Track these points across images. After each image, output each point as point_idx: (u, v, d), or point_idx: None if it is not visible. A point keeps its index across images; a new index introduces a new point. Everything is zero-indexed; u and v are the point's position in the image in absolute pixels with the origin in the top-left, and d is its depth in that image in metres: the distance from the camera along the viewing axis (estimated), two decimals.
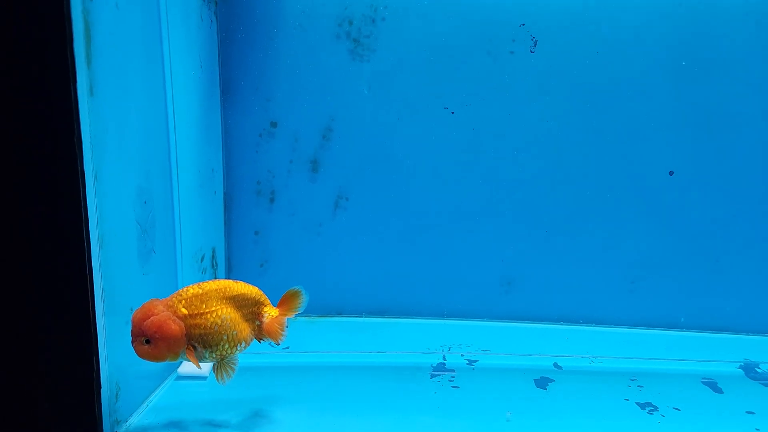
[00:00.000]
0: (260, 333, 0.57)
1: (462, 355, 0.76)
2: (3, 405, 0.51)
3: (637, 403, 0.62)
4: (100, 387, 0.51)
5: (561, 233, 0.84)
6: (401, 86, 0.83)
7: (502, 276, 0.86)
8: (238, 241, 0.90)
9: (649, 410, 0.61)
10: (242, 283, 0.57)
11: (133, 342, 0.51)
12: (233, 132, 0.87)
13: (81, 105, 0.49)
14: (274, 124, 0.86)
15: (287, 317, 0.58)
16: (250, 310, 0.56)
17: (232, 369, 0.55)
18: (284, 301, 0.58)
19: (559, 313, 0.85)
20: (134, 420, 0.58)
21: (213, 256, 0.86)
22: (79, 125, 0.48)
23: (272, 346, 0.58)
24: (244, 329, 0.55)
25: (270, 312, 0.57)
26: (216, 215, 0.87)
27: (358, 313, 0.88)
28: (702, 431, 0.57)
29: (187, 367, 0.69)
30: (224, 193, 0.89)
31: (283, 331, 0.57)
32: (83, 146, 0.49)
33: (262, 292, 0.58)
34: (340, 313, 0.88)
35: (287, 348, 0.78)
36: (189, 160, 0.75)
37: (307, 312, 0.89)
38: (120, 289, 0.56)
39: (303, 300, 0.58)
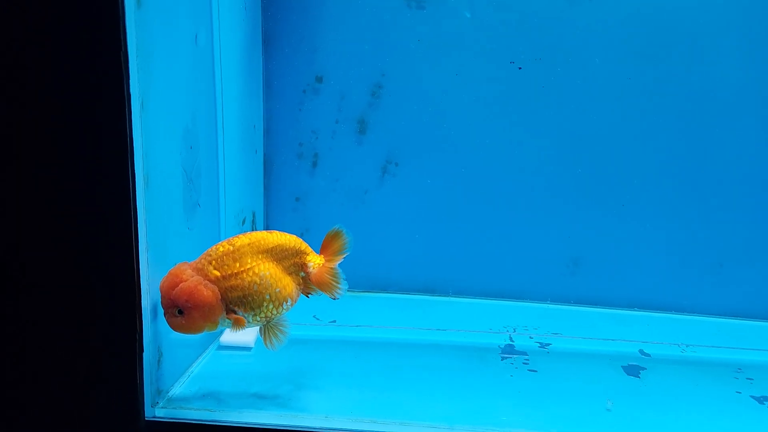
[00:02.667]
0: (307, 287, 0.50)
1: (531, 338, 0.68)
2: (39, 365, 0.44)
3: (753, 397, 0.54)
4: (143, 350, 0.44)
5: (636, 209, 0.75)
6: (461, 37, 0.74)
7: (567, 255, 0.77)
8: (277, 207, 0.82)
9: None
10: (277, 232, 0.49)
11: (165, 314, 0.45)
12: (275, 86, 0.79)
13: (128, 16, 0.41)
14: (319, 79, 0.78)
15: (336, 263, 0.51)
16: (291, 262, 0.49)
17: (282, 332, 0.49)
18: (326, 246, 0.51)
19: (633, 297, 0.77)
20: (176, 390, 0.51)
21: (253, 221, 0.79)
22: (125, 38, 0.41)
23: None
24: (288, 284, 0.48)
25: (315, 261, 0.50)
26: (256, 176, 0.80)
27: (406, 290, 0.80)
28: None
29: (230, 336, 0.62)
30: (264, 154, 0.81)
31: (337, 281, 0.50)
32: (129, 64, 0.41)
33: (301, 240, 0.50)
34: (385, 290, 0.81)
35: (334, 321, 0.71)
36: (233, 109, 0.67)
37: (351, 287, 0.83)
38: (165, 241, 0.49)
39: (347, 240, 0.51)
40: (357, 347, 0.64)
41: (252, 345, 0.61)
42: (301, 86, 0.79)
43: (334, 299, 0.51)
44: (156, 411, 0.47)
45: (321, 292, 0.51)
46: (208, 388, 0.52)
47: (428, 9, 0.75)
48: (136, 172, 0.42)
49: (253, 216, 0.78)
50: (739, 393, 0.55)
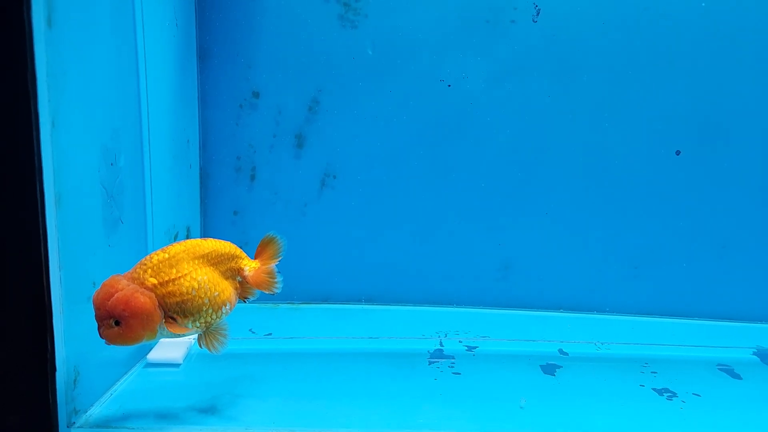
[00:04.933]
0: (244, 291, 0.52)
1: (460, 341, 0.70)
2: None
3: (654, 389, 0.58)
4: (55, 370, 0.44)
5: (561, 216, 0.79)
6: (394, 56, 0.77)
7: (498, 261, 0.81)
8: (215, 221, 0.83)
9: (667, 396, 0.57)
10: (212, 239, 0.50)
11: (99, 328, 0.44)
12: (211, 101, 0.80)
13: (36, 36, 0.41)
14: (255, 95, 0.80)
15: (271, 265, 0.53)
16: (227, 266, 0.50)
17: (223, 335, 0.49)
18: (261, 251, 0.53)
19: (559, 300, 0.80)
20: (95, 410, 0.50)
21: (188, 236, 0.78)
22: (33, 59, 0.41)
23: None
24: (226, 289, 0.49)
25: (251, 265, 0.52)
26: (191, 191, 0.79)
27: (346, 300, 0.82)
28: (729, 417, 0.53)
29: (158, 353, 0.62)
30: (200, 168, 0.81)
31: (274, 278, 0.52)
32: (38, 85, 0.41)
33: (235, 246, 0.52)
34: (326, 300, 0.82)
35: (269, 334, 0.71)
36: (162, 125, 0.67)
37: (291, 299, 0.84)
38: (81, 259, 0.48)
39: (281, 245, 0.53)
40: (289, 359, 0.64)
41: (180, 361, 0.61)
42: (238, 101, 0.80)
43: (273, 294, 0.52)
44: (72, 431, 0.46)
45: (257, 296, 0.52)
46: (130, 406, 0.52)
47: (360, 29, 0.77)
48: (45, 191, 0.42)
49: (188, 231, 0.78)
50: (643, 386, 0.59)
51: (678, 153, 0.78)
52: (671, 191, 0.78)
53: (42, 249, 0.42)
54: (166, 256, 0.46)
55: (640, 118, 0.77)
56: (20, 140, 0.41)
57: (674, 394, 0.57)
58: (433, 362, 0.64)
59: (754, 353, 0.69)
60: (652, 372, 0.62)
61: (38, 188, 0.41)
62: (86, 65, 0.50)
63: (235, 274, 0.50)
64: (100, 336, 0.44)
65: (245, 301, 0.52)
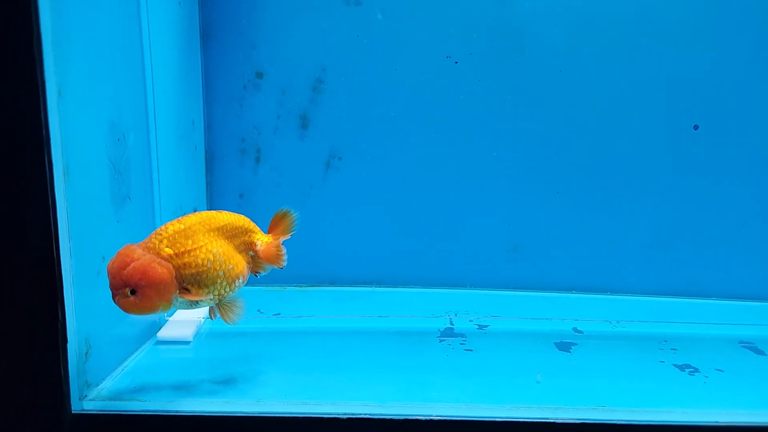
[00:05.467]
0: (256, 265, 0.52)
1: (470, 321, 0.70)
2: None
3: (675, 365, 0.57)
4: (66, 341, 0.43)
5: (572, 194, 0.78)
6: (399, 33, 0.76)
7: (509, 242, 0.80)
8: (221, 204, 0.82)
9: (689, 371, 0.56)
10: (226, 212, 0.50)
11: (114, 297, 0.43)
12: (215, 82, 0.79)
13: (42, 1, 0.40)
14: (259, 75, 0.78)
15: (281, 240, 0.53)
16: (241, 240, 0.50)
17: (239, 307, 0.49)
18: (274, 226, 0.53)
19: (571, 280, 0.79)
20: (107, 384, 0.50)
21: None
22: (38, 24, 0.40)
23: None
24: (240, 262, 0.49)
25: (262, 239, 0.52)
26: (197, 173, 0.79)
27: (353, 283, 0.81)
28: (756, 391, 0.52)
29: (168, 331, 0.61)
30: (205, 150, 0.80)
31: (282, 253, 0.52)
32: (44, 51, 0.40)
33: (249, 220, 0.52)
34: (333, 283, 0.81)
35: (278, 314, 0.71)
36: (167, 104, 0.67)
37: (298, 281, 0.83)
38: (90, 232, 0.48)
39: (293, 219, 0.53)
40: (299, 336, 0.64)
41: (190, 338, 0.61)
42: (242, 82, 0.79)
43: (281, 268, 0.53)
44: (84, 404, 0.46)
45: (269, 271, 0.53)
46: (141, 380, 0.51)
47: (365, 5, 0.76)
48: (54, 161, 0.41)
49: (194, 212, 0.78)
50: (663, 362, 0.58)
51: (696, 128, 0.76)
52: (689, 167, 0.76)
53: (51, 220, 0.41)
54: (182, 227, 0.46)
55: (656, 92, 0.75)
56: (27, 107, 0.40)
57: (696, 370, 0.56)
58: (444, 340, 0.63)
59: None
60: (671, 349, 0.61)
61: (46, 157, 0.41)
62: (91, 37, 0.49)
63: (248, 249, 0.51)
64: (116, 304, 0.43)
65: (257, 276, 0.53)
